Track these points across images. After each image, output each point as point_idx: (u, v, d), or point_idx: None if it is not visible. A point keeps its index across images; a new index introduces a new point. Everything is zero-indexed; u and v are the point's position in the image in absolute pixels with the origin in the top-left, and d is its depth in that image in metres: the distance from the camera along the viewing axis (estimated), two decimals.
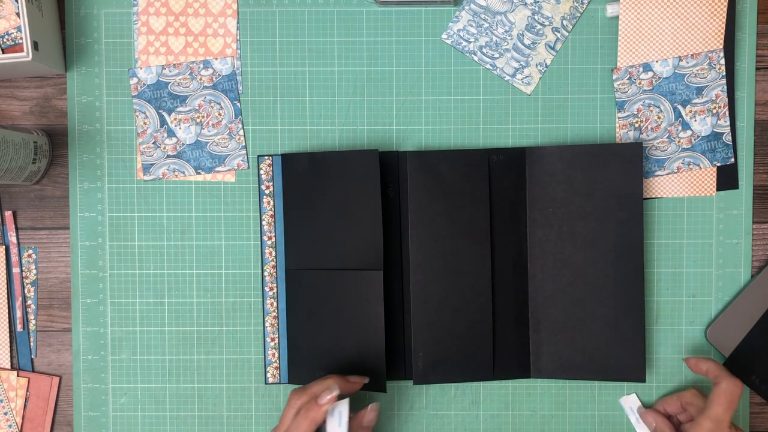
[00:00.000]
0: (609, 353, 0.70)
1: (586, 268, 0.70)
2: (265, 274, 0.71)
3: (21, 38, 0.65)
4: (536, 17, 0.71)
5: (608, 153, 0.69)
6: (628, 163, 0.68)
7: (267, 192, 0.71)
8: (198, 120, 0.71)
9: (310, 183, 0.70)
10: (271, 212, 0.71)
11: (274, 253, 0.71)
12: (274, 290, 0.71)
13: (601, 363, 0.71)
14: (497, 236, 0.70)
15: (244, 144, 0.71)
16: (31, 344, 0.72)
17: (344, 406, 0.64)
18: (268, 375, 0.72)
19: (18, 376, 0.72)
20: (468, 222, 0.69)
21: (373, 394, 0.72)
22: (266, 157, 0.71)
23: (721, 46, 0.70)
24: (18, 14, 0.65)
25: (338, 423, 0.64)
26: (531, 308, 0.71)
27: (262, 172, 0.71)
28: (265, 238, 0.71)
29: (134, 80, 0.71)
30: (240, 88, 0.71)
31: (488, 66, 0.71)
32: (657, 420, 0.69)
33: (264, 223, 0.71)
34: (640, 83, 0.70)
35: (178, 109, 0.71)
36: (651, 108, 0.70)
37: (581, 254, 0.70)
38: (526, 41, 0.71)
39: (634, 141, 0.71)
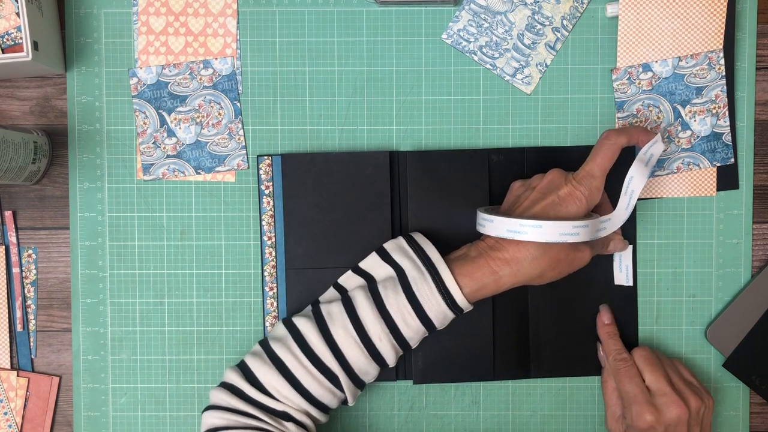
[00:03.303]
0: None
1: (584, 268, 0.70)
2: (265, 274, 0.71)
3: (21, 38, 0.65)
4: (536, 17, 0.71)
5: None
6: (620, 162, 0.69)
7: (267, 192, 0.71)
8: (198, 120, 0.71)
9: (312, 183, 0.70)
10: (271, 212, 0.71)
11: (274, 253, 0.71)
12: (274, 290, 0.71)
13: (599, 360, 0.71)
14: None
15: (244, 144, 0.71)
16: (31, 344, 0.72)
17: (658, 149, 0.63)
18: None
19: (18, 376, 0.72)
20: (468, 222, 0.69)
21: (374, 387, 0.72)
22: (266, 157, 0.71)
23: (721, 47, 0.70)
24: (18, 14, 0.65)
25: (645, 162, 0.63)
26: (530, 307, 0.71)
27: (261, 172, 0.71)
28: (265, 238, 0.71)
29: (134, 80, 0.71)
30: (240, 88, 0.71)
31: (488, 66, 0.71)
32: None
33: (264, 223, 0.71)
34: (639, 83, 0.70)
35: (178, 109, 0.71)
36: (650, 108, 0.70)
37: None
38: (526, 41, 0.71)
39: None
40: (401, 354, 0.65)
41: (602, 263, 0.71)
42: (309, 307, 0.66)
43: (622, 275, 0.71)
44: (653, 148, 0.63)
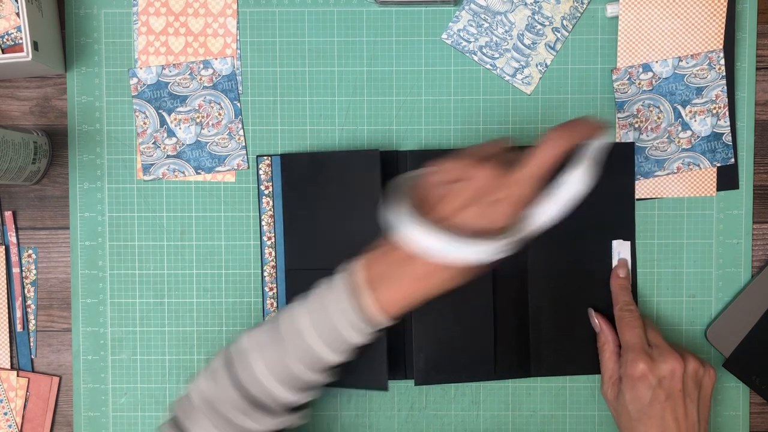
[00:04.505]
0: None
1: (584, 266, 0.70)
2: (265, 274, 0.71)
3: (21, 38, 0.65)
4: (536, 17, 0.71)
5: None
6: (620, 162, 0.69)
7: (266, 192, 0.71)
8: (198, 120, 0.71)
9: (310, 183, 0.70)
10: (271, 212, 0.71)
11: (273, 254, 0.71)
12: (274, 290, 0.71)
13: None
14: None
15: (244, 144, 0.71)
16: (31, 344, 0.72)
17: (605, 140, 0.57)
18: None
19: (18, 376, 0.72)
20: None
21: (373, 396, 0.72)
22: (265, 158, 0.71)
23: (721, 47, 0.70)
24: (18, 14, 0.65)
25: (590, 161, 0.56)
26: (531, 306, 0.71)
27: (261, 172, 0.71)
28: (264, 238, 0.71)
29: (134, 80, 0.71)
30: (240, 88, 0.71)
31: (488, 66, 0.71)
32: (603, 325, 0.69)
33: (263, 223, 0.71)
34: (639, 83, 0.70)
35: (178, 109, 0.71)
36: (651, 108, 0.70)
37: (579, 252, 0.70)
38: (526, 41, 0.71)
39: (628, 141, 0.71)
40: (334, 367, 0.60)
41: (601, 262, 0.71)
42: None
43: None
44: (600, 142, 0.58)
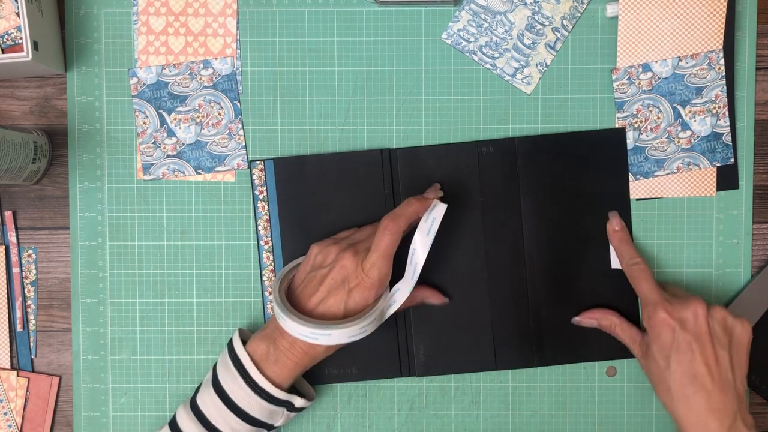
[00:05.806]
0: (609, 335, 0.70)
1: (581, 254, 0.70)
2: (264, 278, 0.71)
3: (21, 38, 0.65)
4: (536, 17, 0.71)
5: (594, 139, 0.70)
6: (613, 147, 0.69)
7: (261, 197, 0.71)
8: (198, 120, 0.71)
9: (305, 185, 0.70)
10: (267, 217, 0.71)
11: (271, 258, 0.71)
12: None
13: (602, 344, 0.71)
14: (492, 227, 0.70)
15: (243, 144, 0.71)
16: (31, 344, 0.72)
17: (440, 212, 0.63)
18: None
19: (18, 376, 0.72)
20: (461, 215, 0.69)
21: (379, 387, 0.72)
22: (258, 162, 0.71)
23: (721, 47, 0.70)
24: (18, 14, 0.65)
25: (427, 231, 0.62)
26: (530, 296, 0.71)
27: (254, 177, 0.71)
28: (262, 242, 0.71)
29: (134, 80, 0.71)
30: (240, 88, 0.71)
31: (488, 66, 0.71)
32: (595, 314, 0.70)
33: (260, 228, 0.71)
34: (639, 83, 0.70)
35: (178, 109, 0.71)
36: (650, 108, 0.71)
37: (575, 240, 0.71)
38: (526, 41, 0.71)
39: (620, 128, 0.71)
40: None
41: (598, 249, 0.71)
42: None
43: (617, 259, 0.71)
44: (435, 212, 0.63)
